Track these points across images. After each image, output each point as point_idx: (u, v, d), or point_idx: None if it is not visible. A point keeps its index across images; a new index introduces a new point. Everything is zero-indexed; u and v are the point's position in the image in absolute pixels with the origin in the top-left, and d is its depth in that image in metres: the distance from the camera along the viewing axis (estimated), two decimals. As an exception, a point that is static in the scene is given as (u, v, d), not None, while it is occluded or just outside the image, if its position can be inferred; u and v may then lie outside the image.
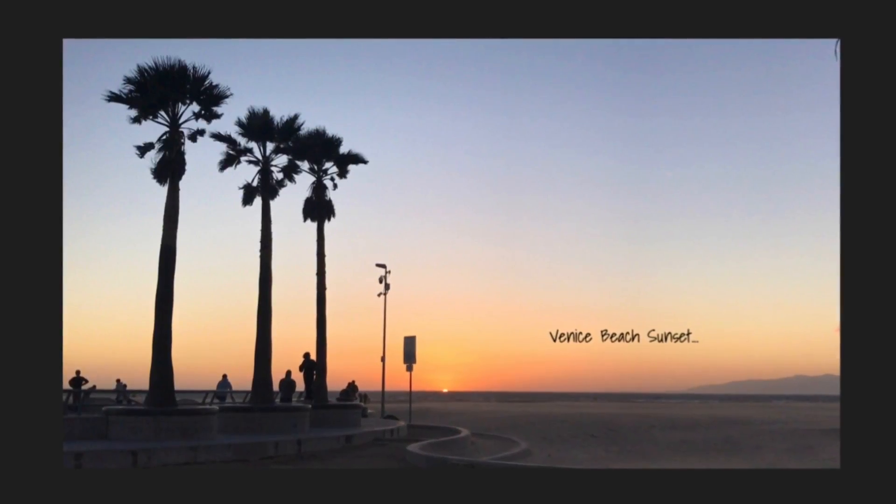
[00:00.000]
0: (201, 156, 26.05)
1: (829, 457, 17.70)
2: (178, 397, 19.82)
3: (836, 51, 8.46)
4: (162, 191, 20.14)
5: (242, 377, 30.79)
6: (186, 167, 20.43)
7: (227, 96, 21.13)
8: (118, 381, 30.15)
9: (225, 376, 29.35)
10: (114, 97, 20.15)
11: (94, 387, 27.66)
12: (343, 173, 28.09)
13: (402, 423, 26.34)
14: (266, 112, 24.54)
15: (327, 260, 26.70)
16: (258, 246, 23.79)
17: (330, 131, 27.15)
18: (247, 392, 24.69)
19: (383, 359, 34.07)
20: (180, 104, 20.71)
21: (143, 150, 20.42)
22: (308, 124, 25.89)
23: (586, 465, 16.22)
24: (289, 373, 25.51)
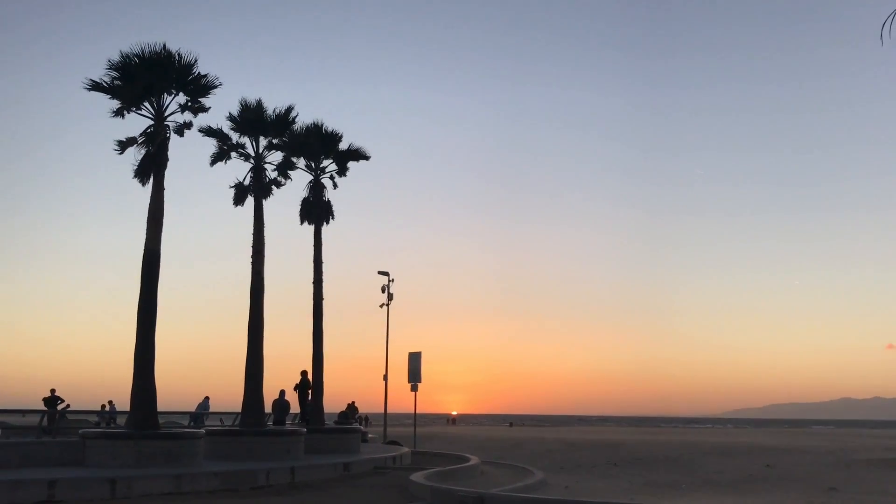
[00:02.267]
0: (189, 152, 26.17)
1: (880, 490, 17.66)
2: (161, 419, 19.93)
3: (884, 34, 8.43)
4: (145, 189, 20.25)
5: (231, 397, 31.13)
6: (171, 163, 20.51)
7: (215, 86, 21.24)
8: (110, 402, 30.44)
9: (207, 398, 29.76)
10: (95, 86, 20.29)
11: (69, 405, 27.82)
12: (343, 171, 28.16)
13: (405, 450, 26.40)
14: (259, 104, 24.64)
15: (325, 267, 26.81)
16: (250, 251, 23.87)
17: (328, 124, 27.30)
18: (236, 414, 24.78)
19: (386, 377, 34.18)
20: (165, 95, 20.85)
21: (125, 145, 20.53)
22: (305, 118, 26.05)
23: (607, 497, 16.26)
24: (282, 393, 25.58)
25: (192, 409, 28.48)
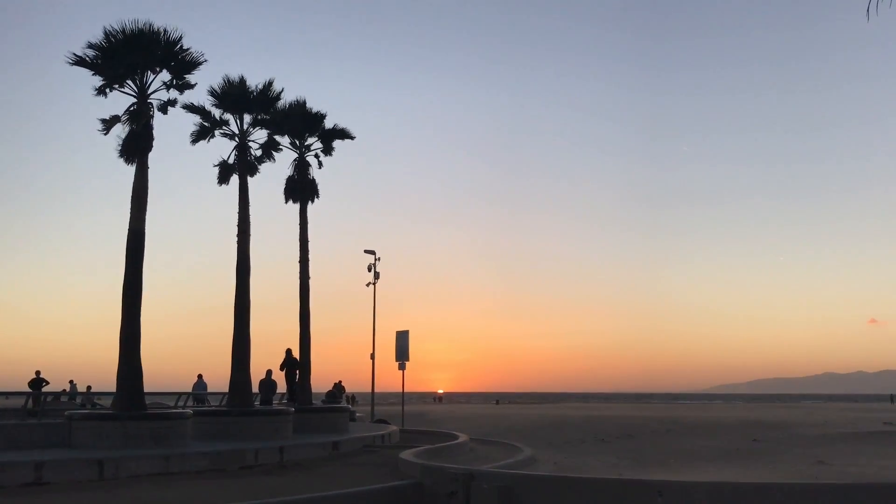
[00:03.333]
0: (173, 130, 25.94)
1: (866, 463, 17.86)
2: (147, 400, 19.85)
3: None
4: (129, 169, 20.06)
5: (218, 377, 31.08)
6: (155, 142, 20.33)
7: (200, 63, 21.02)
8: (71, 382, 30.15)
9: (200, 377, 29.53)
10: (79, 61, 20.03)
11: (64, 390, 27.73)
12: (328, 150, 28.07)
13: (394, 428, 26.47)
14: (243, 80, 24.41)
15: (311, 246, 26.73)
16: (235, 230, 23.71)
17: (313, 103, 27.19)
18: (223, 394, 24.74)
19: (373, 356, 34.22)
20: (149, 72, 20.60)
21: (109, 123, 20.30)
22: (289, 95, 25.86)
23: (598, 473, 16.35)
24: (269, 372, 25.56)
25: (179, 389, 28.38)
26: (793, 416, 42.31)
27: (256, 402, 24.14)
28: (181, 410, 21.12)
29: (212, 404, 26.69)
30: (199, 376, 29.54)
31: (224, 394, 24.25)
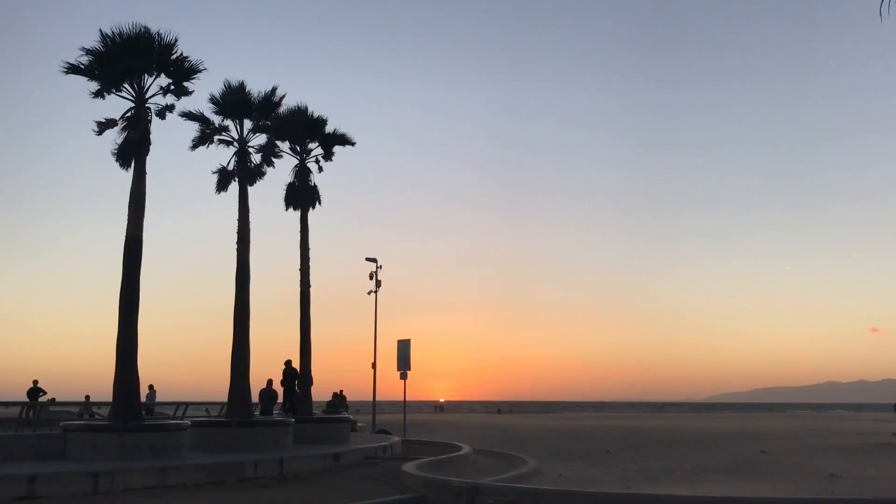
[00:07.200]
0: (170, 137, 25.70)
1: (881, 476, 17.51)
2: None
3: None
4: (127, 175, 19.78)
5: (218, 386, 30.82)
6: (153, 148, 20.06)
7: (199, 70, 20.82)
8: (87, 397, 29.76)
9: (151, 387, 29.60)
10: (73, 69, 19.77)
11: (54, 399, 27.35)
12: (328, 156, 27.83)
13: (396, 439, 26.12)
14: (242, 86, 24.18)
15: (312, 254, 26.44)
16: (235, 238, 23.43)
17: (314, 110, 26.93)
18: (223, 404, 24.41)
19: (374, 365, 33.88)
20: (146, 76, 20.36)
21: (104, 126, 20.03)
22: (290, 101, 25.62)
23: (605, 487, 16.00)
24: (270, 382, 25.25)
25: (178, 399, 28.20)
26: (798, 426, 41.94)
27: (256, 413, 23.80)
28: (179, 421, 20.78)
29: (212, 414, 26.37)
30: (151, 387, 29.54)
31: (223, 403, 23.91)
